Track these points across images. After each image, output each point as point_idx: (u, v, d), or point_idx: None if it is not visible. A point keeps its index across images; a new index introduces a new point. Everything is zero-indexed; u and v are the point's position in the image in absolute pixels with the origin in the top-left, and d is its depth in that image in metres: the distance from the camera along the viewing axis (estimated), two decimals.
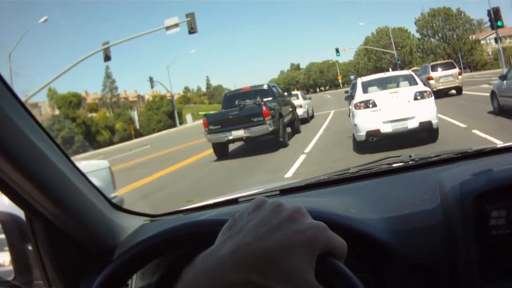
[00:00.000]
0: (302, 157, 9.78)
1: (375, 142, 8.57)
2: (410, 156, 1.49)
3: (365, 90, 9.34)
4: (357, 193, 1.26)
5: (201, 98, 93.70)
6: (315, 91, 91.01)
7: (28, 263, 1.22)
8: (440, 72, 19.87)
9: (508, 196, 0.97)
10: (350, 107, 9.27)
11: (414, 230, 1.01)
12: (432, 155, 1.45)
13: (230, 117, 11.58)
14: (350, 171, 1.46)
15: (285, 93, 16.66)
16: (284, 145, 11.93)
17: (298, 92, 21.23)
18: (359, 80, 10.06)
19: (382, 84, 9.73)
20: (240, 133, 11.46)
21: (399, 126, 8.23)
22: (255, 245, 0.51)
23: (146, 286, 1.14)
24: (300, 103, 19.07)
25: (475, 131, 8.90)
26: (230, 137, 11.53)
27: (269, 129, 11.27)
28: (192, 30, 22.42)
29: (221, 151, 12.05)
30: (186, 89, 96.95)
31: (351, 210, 1.09)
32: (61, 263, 1.16)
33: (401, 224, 1.03)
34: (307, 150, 10.86)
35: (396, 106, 8.35)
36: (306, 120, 19.25)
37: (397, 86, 9.45)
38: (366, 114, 8.49)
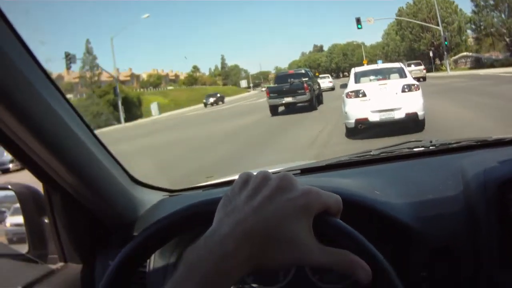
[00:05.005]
0: None
1: (365, 129, 8.58)
2: (430, 141, 1.43)
3: (357, 80, 9.33)
4: (379, 176, 1.20)
5: (213, 79, 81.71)
6: (337, 76, 73.52)
7: (44, 236, 1.14)
8: (412, 68, 26.40)
9: None
10: (343, 95, 9.38)
11: (437, 216, 0.97)
12: (452, 142, 1.40)
13: (284, 89, 17.04)
14: (371, 153, 1.39)
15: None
16: (315, 108, 17.05)
17: (328, 75, 36.88)
18: (353, 70, 10.07)
19: (374, 75, 9.75)
20: (289, 99, 16.79)
21: (386, 116, 8.25)
22: (251, 219, 0.50)
23: (165, 266, 1.07)
24: (331, 80, 34.61)
25: None
26: (283, 101, 17.02)
27: (307, 97, 16.76)
28: None
29: (275, 111, 17.30)
30: (195, 68, 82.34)
31: (375, 192, 1.04)
32: (78, 236, 1.09)
33: (424, 209, 0.98)
34: None
35: (384, 97, 8.36)
36: (333, 89, 30.33)
37: (388, 78, 9.44)
38: (356, 103, 8.51)
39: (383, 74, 9.75)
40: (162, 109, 41.27)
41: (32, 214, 1.12)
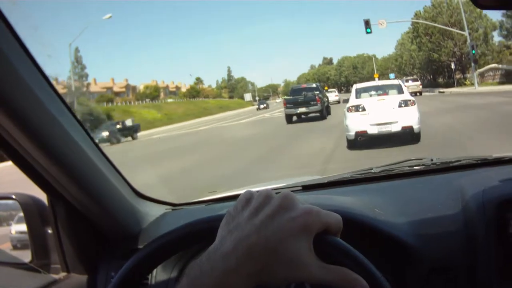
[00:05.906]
0: None
1: (364, 141, 8.99)
2: (431, 160, 1.41)
3: (357, 96, 9.86)
4: (380, 194, 1.18)
5: (218, 91, 77.66)
6: (347, 90, 64.76)
7: (47, 246, 1.12)
8: (409, 83, 29.54)
9: None
10: (344, 110, 9.84)
11: (437, 234, 0.96)
12: (453, 160, 1.38)
13: (299, 100, 19.12)
14: (372, 170, 1.38)
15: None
16: (324, 117, 18.94)
17: (335, 90, 40.35)
18: (354, 86, 10.67)
19: (374, 91, 10.30)
20: (303, 109, 18.88)
21: (384, 129, 8.69)
22: (254, 237, 0.50)
23: (167, 280, 1.06)
24: (337, 94, 38.58)
25: None
26: (298, 111, 19.00)
27: (319, 108, 18.79)
28: None
29: (290, 119, 19.22)
30: (198, 80, 77.31)
31: (375, 210, 1.03)
32: (81, 247, 1.08)
33: (424, 228, 0.97)
34: None
35: (382, 111, 8.79)
36: (339, 102, 33.13)
37: (387, 93, 9.93)
38: (356, 116, 8.95)
39: (382, 90, 10.22)
40: (150, 124, 34.86)
41: (35, 224, 1.11)
